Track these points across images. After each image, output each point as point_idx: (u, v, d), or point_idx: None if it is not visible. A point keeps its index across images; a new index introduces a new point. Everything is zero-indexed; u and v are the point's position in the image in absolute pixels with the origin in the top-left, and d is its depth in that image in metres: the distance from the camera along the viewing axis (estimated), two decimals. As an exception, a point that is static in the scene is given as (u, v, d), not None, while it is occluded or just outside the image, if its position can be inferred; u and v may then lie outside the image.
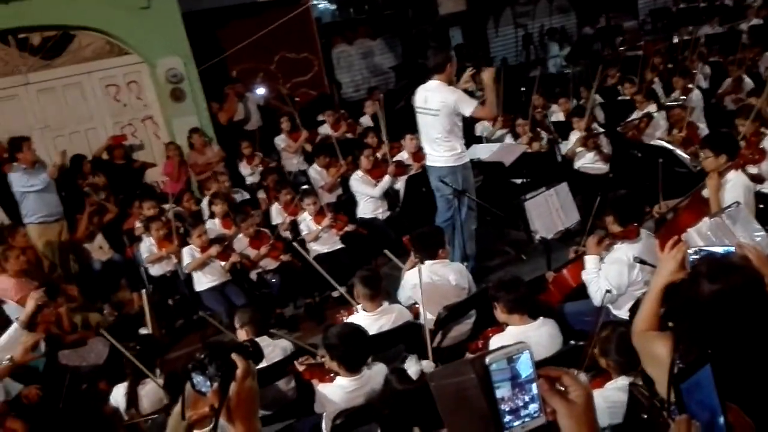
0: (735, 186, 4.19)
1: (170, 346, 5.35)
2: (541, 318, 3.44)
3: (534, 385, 1.05)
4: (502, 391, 1.03)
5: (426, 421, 2.43)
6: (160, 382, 3.53)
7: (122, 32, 7.64)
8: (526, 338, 2.66)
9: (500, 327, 3.54)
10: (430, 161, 5.32)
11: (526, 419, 1.04)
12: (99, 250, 6.31)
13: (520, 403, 1.04)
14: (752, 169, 4.96)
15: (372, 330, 3.80)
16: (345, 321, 3.96)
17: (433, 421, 2.67)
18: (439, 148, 5.14)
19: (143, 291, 4.45)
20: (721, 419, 1.22)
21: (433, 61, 5.09)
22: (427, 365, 3.35)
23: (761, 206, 4.67)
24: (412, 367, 3.32)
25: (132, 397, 3.57)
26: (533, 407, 1.05)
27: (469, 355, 3.54)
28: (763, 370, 1.67)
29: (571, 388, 1.09)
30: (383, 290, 4.07)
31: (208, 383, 1.46)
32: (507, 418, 1.03)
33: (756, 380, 1.62)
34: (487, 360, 1.03)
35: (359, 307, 4.04)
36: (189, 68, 7.87)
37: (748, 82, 7.67)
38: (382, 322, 3.92)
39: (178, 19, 7.75)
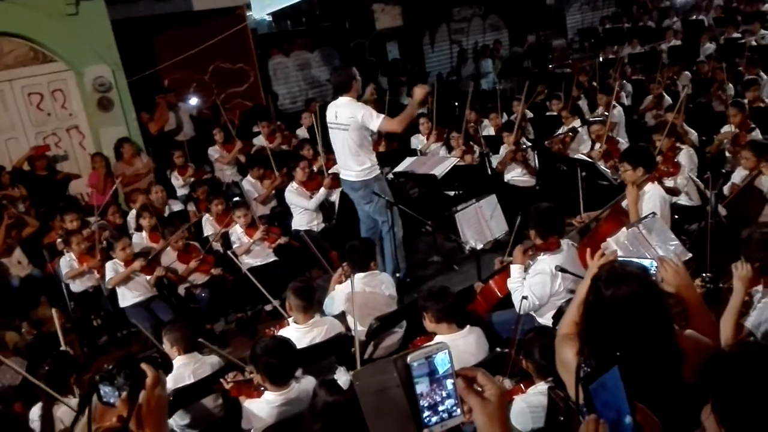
0: (652, 197, 4.40)
1: (91, 363, 5.13)
2: (468, 326, 3.49)
3: (450, 381, 1.09)
4: (421, 387, 1.07)
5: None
6: (74, 402, 3.37)
7: (48, 39, 7.37)
8: (454, 346, 2.69)
9: (429, 336, 3.57)
10: (343, 175, 5.43)
11: (444, 415, 1.08)
12: (18, 265, 6.00)
13: (438, 399, 1.07)
14: (668, 182, 5.21)
15: (303, 342, 3.78)
16: (275, 334, 3.90)
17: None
18: (351, 163, 5.22)
19: (54, 308, 4.24)
20: (628, 418, 1.26)
21: (336, 81, 5.25)
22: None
23: (676, 217, 4.93)
24: (342, 377, 3.30)
25: (46, 419, 3.40)
26: (450, 403, 1.08)
27: None
28: (659, 372, 1.75)
29: (486, 387, 1.14)
30: (316, 302, 4.05)
31: (117, 393, 1.48)
32: (426, 413, 1.06)
33: (654, 381, 1.70)
34: (409, 358, 1.06)
35: (290, 319, 3.99)
36: (118, 76, 7.65)
37: (668, 100, 8.08)
38: (313, 335, 3.89)
39: (108, 27, 7.54)
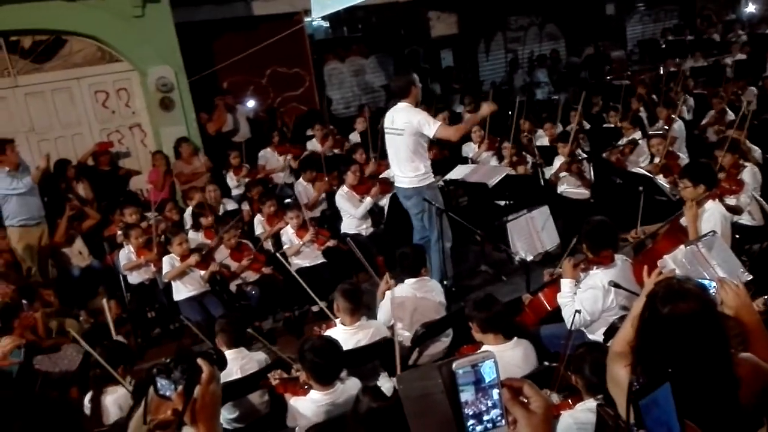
0: (712, 215, 4.26)
1: (143, 354, 5.29)
2: (516, 338, 3.45)
3: (496, 391, 1.08)
4: (466, 395, 1.06)
5: None
6: (122, 392, 3.48)
7: (114, 39, 7.66)
8: (501, 358, 2.66)
9: (476, 345, 3.55)
10: (397, 182, 5.43)
11: (488, 425, 1.07)
12: (78, 255, 6.26)
13: (483, 408, 1.06)
14: (730, 200, 5.03)
15: (349, 344, 3.81)
16: (322, 334, 3.96)
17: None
18: (405, 169, 5.22)
19: (105, 299, 4.39)
20: None
21: (396, 86, 5.26)
22: None
23: (737, 236, 4.75)
24: (386, 383, 3.33)
25: (95, 405, 3.52)
26: (495, 413, 1.07)
27: None
28: (714, 393, 1.70)
29: (532, 399, 1.13)
30: (364, 305, 4.08)
31: (173, 386, 1.52)
32: (470, 422, 1.06)
33: (708, 402, 1.65)
34: (454, 365, 1.06)
35: (338, 321, 4.04)
36: (179, 78, 7.89)
37: (731, 115, 7.81)
38: (359, 337, 3.92)
39: (172, 29, 7.78)
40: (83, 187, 7.02)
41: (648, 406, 1.23)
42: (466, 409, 1.06)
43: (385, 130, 5.35)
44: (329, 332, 3.97)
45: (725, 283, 2.39)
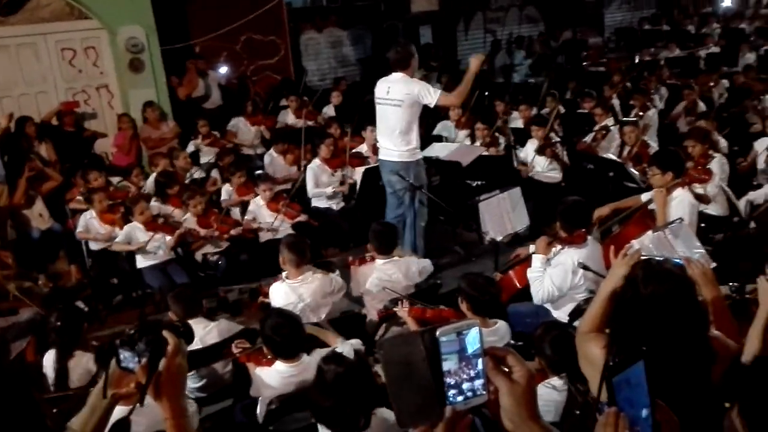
0: (681, 203, 4.32)
1: (104, 321, 5.18)
2: (500, 321, 3.49)
3: (480, 361, 1.05)
4: (449, 364, 1.03)
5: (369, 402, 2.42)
6: (87, 358, 3.41)
7: (85, -5, 7.38)
8: (486, 342, 2.67)
9: (437, 310, 3.61)
10: (383, 155, 5.31)
11: (469, 394, 1.04)
12: (39, 218, 6.07)
13: (465, 377, 1.04)
14: (698, 189, 5.11)
15: (292, 298, 3.88)
16: (270, 287, 4.07)
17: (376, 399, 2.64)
18: (396, 141, 5.13)
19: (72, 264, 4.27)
20: (645, 411, 1.23)
21: (396, 56, 5.10)
22: (357, 343, 3.34)
23: (703, 225, 4.84)
24: (345, 347, 3.29)
25: (62, 371, 3.44)
26: (478, 383, 1.05)
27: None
28: (691, 371, 1.73)
29: (515, 368, 1.10)
30: (309, 258, 4.12)
31: (136, 359, 1.46)
32: (451, 392, 1.03)
33: (683, 380, 1.68)
34: (438, 332, 1.03)
35: (284, 274, 4.07)
36: (151, 39, 7.66)
37: (702, 107, 7.92)
38: (302, 290, 3.95)
39: (144, -12, 7.53)
40: (46, 147, 6.79)
41: (620, 384, 1.22)
42: (448, 378, 1.03)
43: (378, 101, 5.22)
44: (274, 286, 4.07)
45: (692, 262, 2.52)
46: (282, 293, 3.98)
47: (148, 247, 5.16)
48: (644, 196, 4.57)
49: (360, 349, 3.29)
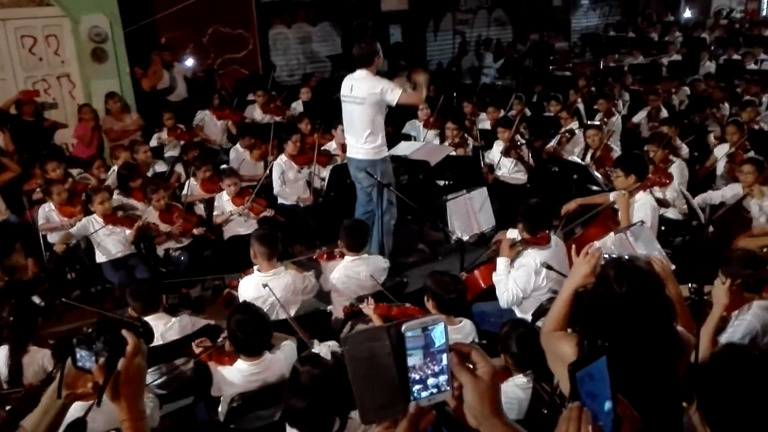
0: (643, 206, 4.43)
1: (60, 317, 5.04)
2: (465, 320, 3.51)
3: (445, 356, 1.05)
4: (414, 359, 1.03)
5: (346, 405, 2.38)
6: (45, 351, 3.31)
7: (46, -19, 7.17)
8: (451, 339, 2.68)
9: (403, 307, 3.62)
10: (350, 152, 5.30)
11: (434, 390, 1.04)
12: (-6, 209, 5.87)
13: (430, 373, 1.04)
14: (658, 193, 5.23)
15: (262, 291, 3.82)
16: (241, 280, 4.04)
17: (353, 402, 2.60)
18: (361, 139, 5.13)
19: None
20: (608, 404, 1.25)
21: (359, 53, 5.07)
22: (334, 344, 3.31)
23: (662, 228, 4.96)
24: (322, 349, 3.26)
25: (15, 368, 3.33)
26: (442, 378, 1.05)
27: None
28: (662, 364, 1.77)
29: (479, 364, 1.10)
30: (279, 251, 4.10)
31: (94, 358, 1.42)
32: (416, 387, 1.03)
33: (655, 373, 1.72)
34: (404, 327, 1.02)
35: (255, 267, 4.05)
36: (114, 28, 7.49)
37: (664, 113, 8.11)
38: (274, 284, 3.90)
39: (108, -24, 7.35)
40: (3, 137, 6.56)
41: (583, 379, 1.23)
42: (413, 374, 1.03)
43: (342, 99, 5.20)
44: (245, 279, 4.04)
45: (653, 259, 2.60)
46: (252, 286, 3.94)
47: (100, 233, 5.01)
48: (612, 195, 4.67)
49: (337, 351, 3.25)
